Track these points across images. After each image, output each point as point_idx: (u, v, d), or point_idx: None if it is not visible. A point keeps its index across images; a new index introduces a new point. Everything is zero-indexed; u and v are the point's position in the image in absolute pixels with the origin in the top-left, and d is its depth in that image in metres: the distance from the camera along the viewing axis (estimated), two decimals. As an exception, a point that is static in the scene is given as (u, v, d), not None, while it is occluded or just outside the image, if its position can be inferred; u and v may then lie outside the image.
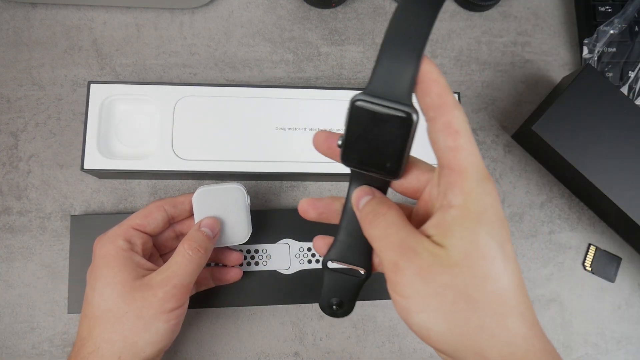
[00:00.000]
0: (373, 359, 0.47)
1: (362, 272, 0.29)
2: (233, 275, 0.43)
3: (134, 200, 0.47)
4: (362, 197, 0.26)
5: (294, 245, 0.45)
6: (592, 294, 0.49)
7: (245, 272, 0.44)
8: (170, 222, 0.40)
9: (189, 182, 0.48)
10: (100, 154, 0.43)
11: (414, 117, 0.22)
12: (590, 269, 0.49)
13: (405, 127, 0.23)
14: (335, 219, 0.29)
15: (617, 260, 0.49)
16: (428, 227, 0.24)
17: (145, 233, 0.38)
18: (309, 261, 0.45)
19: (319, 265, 0.45)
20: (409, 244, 0.23)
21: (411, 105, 0.22)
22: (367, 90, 0.23)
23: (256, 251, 0.45)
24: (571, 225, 0.50)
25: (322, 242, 0.30)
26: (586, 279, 0.49)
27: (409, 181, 0.26)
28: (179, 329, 0.36)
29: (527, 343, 0.22)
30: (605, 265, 0.49)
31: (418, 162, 0.27)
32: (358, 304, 0.47)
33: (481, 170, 0.23)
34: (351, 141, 0.24)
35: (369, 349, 0.47)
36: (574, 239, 0.50)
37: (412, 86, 0.22)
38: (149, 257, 0.39)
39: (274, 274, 0.45)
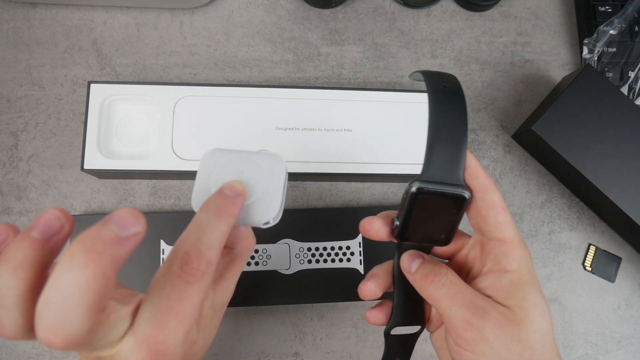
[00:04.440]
0: (373, 359, 0.47)
1: (418, 328, 0.31)
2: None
3: (134, 200, 0.47)
4: (413, 262, 0.28)
5: (294, 245, 0.45)
6: (592, 294, 0.49)
7: (245, 272, 0.44)
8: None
9: (189, 182, 0.48)
10: (100, 154, 0.43)
11: (470, 195, 0.26)
12: (590, 269, 0.49)
13: (462, 205, 0.26)
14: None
15: (617, 260, 0.49)
16: (483, 288, 0.27)
17: None
18: (309, 261, 0.45)
19: (319, 266, 0.45)
20: (478, 303, 0.26)
21: (466, 186, 0.26)
22: (425, 177, 0.25)
23: (256, 251, 0.45)
24: (571, 225, 0.50)
25: (377, 315, 0.31)
26: (586, 279, 0.49)
27: (450, 246, 0.30)
28: None
29: None
30: (605, 265, 0.49)
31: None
32: (358, 304, 0.47)
33: (521, 239, 0.27)
34: (410, 223, 0.27)
35: (369, 349, 0.47)
36: (574, 239, 0.50)
37: (463, 170, 0.26)
38: None
39: (274, 274, 0.45)
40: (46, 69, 0.49)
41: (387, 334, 0.30)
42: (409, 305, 0.30)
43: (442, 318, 0.27)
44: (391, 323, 0.30)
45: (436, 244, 0.28)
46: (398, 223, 0.27)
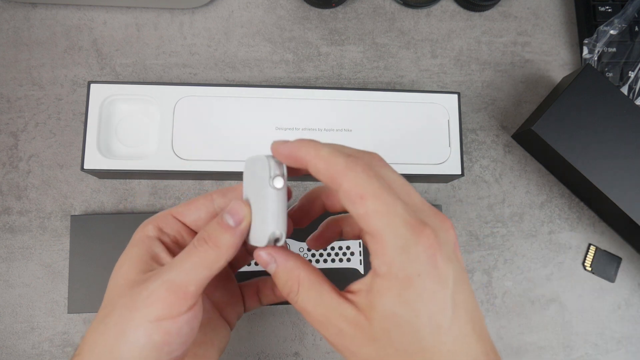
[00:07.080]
0: (373, 359, 0.47)
1: None
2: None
3: (134, 200, 0.47)
4: (268, 266, 0.27)
5: (294, 245, 0.45)
6: (592, 294, 0.49)
7: (245, 272, 0.44)
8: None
9: (189, 182, 0.48)
10: (100, 154, 0.43)
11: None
12: (590, 269, 0.49)
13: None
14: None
15: (617, 260, 0.49)
16: (357, 288, 0.24)
17: (183, 223, 0.30)
18: (309, 261, 0.45)
19: (319, 266, 0.45)
20: (331, 319, 0.24)
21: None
22: None
23: (256, 251, 0.45)
24: (571, 225, 0.50)
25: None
26: (586, 279, 0.49)
27: (354, 228, 0.30)
28: (172, 349, 0.25)
29: None
30: (605, 265, 0.49)
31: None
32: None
33: (401, 232, 0.21)
34: None
35: (369, 349, 0.47)
36: (574, 239, 0.50)
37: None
38: None
39: (274, 274, 0.45)
40: (46, 69, 0.49)
41: None
42: None
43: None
44: None
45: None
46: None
